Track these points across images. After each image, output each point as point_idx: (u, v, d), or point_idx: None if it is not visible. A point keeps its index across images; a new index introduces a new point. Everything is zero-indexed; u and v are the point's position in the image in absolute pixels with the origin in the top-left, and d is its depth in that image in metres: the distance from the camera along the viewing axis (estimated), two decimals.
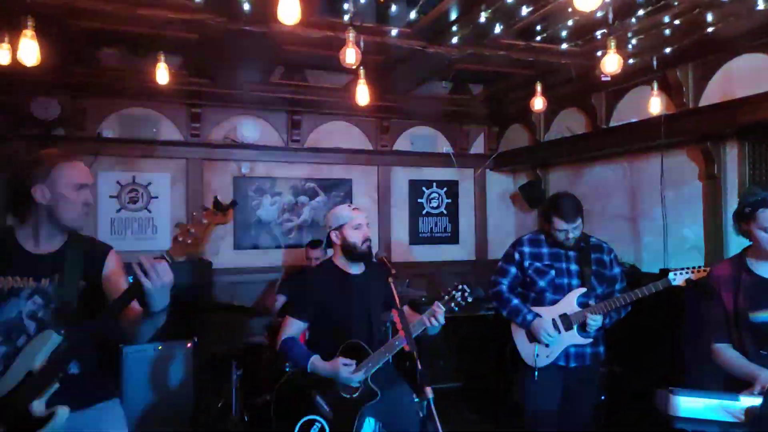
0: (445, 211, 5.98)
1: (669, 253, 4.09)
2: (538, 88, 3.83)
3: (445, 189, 5.99)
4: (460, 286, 2.36)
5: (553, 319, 2.77)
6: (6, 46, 2.95)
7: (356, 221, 2.58)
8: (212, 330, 4.46)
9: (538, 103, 3.85)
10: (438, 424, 1.96)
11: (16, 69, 3.06)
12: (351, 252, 2.58)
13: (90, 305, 1.84)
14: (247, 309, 4.14)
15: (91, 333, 1.73)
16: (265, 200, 5.33)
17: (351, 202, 5.54)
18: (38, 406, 1.63)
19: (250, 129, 5.17)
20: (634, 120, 4.25)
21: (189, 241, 1.68)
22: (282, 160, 5.35)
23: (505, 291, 2.88)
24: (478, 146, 6.13)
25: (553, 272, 2.81)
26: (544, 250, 2.88)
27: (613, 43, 2.91)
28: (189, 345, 4.04)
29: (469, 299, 2.37)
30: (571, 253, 2.85)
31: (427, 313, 2.38)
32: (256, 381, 4.01)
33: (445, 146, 5.98)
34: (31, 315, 1.79)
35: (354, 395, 2.42)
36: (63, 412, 1.65)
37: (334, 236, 2.63)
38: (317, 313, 2.60)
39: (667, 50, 3.60)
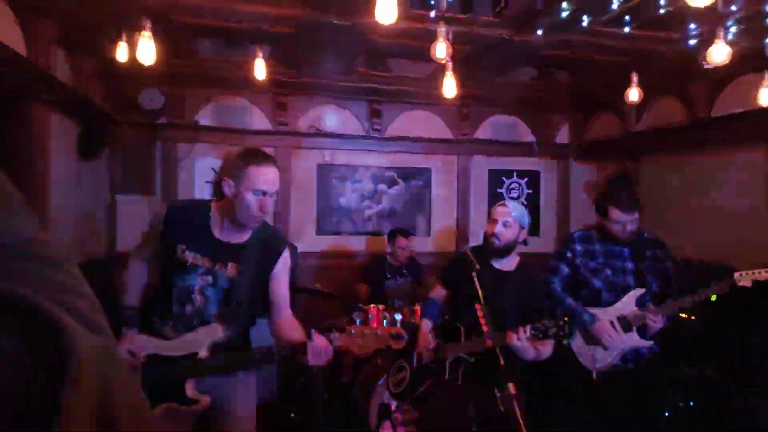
0: (525, 202, 5.84)
1: None
2: (634, 78, 3.64)
3: (525, 179, 5.91)
4: (560, 322, 2.23)
5: (611, 321, 2.72)
6: (123, 44, 3.19)
7: (493, 215, 2.60)
8: (296, 310, 4.59)
9: (633, 95, 3.68)
10: (520, 420, 2.03)
11: (125, 61, 3.30)
12: (484, 243, 2.60)
13: (256, 298, 2.00)
14: (334, 296, 4.22)
15: (249, 359, 1.92)
16: (346, 187, 5.44)
17: (431, 192, 5.59)
18: (190, 388, 1.83)
19: (333, 118, 5.29)
20: (739, 111, 3.98)
21: (356, 340, 1.81)
22: (363, 149, 5.42)
23: (558, 290, 2.82)
24: (562, 136, 5.98)
25: (608, 271, 2.76)
26: (597, 247, 2.82)
27: (721, 32, 2.72)
28: None
29: (564, 341, 2.29)
30: (626, 250, 2.78)
31: (515, 330, 2.30)
32: (336, 363, 4.03)
33: (527, 135, 5.87)
34: (199, 290, 1.97)
35: (425, 363, 2.57)
36: (206, 400, 1.84)
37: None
38: (453, 288, 2.71)
39: None
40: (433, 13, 3.01)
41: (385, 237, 4.89)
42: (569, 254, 2.85)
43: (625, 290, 2.74)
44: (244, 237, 2.00)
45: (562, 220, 5.96)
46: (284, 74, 4.76)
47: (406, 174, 5.57)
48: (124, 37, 3.24)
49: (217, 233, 1.99)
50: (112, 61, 3.40)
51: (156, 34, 3.07)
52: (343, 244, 5.42)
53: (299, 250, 4.99)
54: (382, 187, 5.52)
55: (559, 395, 3.54)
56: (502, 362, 2.12)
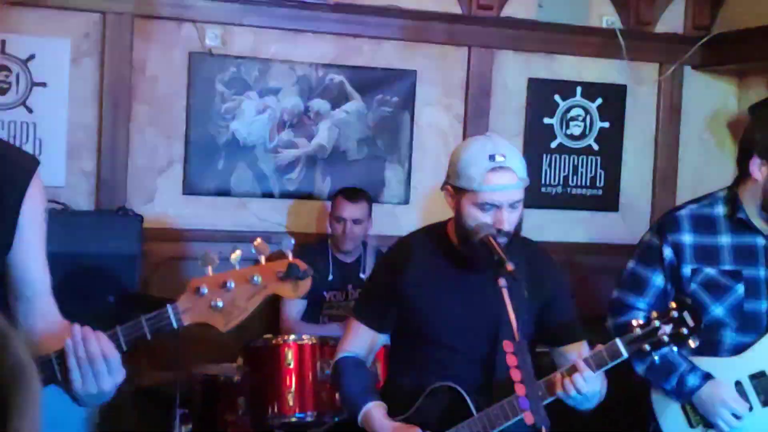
0: (595, 146, 5.50)
1: None
2: None
3: (599, 101, 5.48)
4: (673, 312, 2.31)
5: (738, 382, 2.73)
6: None
7: (490, 196, 2.45)
8: (142, 345, 4.66)
9: None
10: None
11: None
12: (462, 238, 2.56)
13: None
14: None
15: None
16: (247, 104, 4.97)
17: (414, 116, 5.21)
18: None
19: None
20: None
21: (219, 304, 1.73)
22: (285, 27, 5.03)
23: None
24: (671, 19, 5.55)
25: (740, 287, 2.77)
26: (724, 239, 2.81)
27: None
28: None
29: (692, 343, 2.32)
30: None
31: (569, 368, 2.38)
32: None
33: (604, 14, 5.42)
34: None
35: None
36: None
37: (452, 195, 2.69)
38: (402, 320, 2.72)
39: None
40: None
41: (327, 204, 4.84)
42: (668, 252, 2.81)
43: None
44: None
45: (665, 183, 5.64)
46: None
47: (368, 81, 5.16)
48: None
49: None
50: None
51: None
52: (240, 217, 5.04)
53: (146, 225, 4.67)
54: (318, 104, 5.07)
55: None
56: None
